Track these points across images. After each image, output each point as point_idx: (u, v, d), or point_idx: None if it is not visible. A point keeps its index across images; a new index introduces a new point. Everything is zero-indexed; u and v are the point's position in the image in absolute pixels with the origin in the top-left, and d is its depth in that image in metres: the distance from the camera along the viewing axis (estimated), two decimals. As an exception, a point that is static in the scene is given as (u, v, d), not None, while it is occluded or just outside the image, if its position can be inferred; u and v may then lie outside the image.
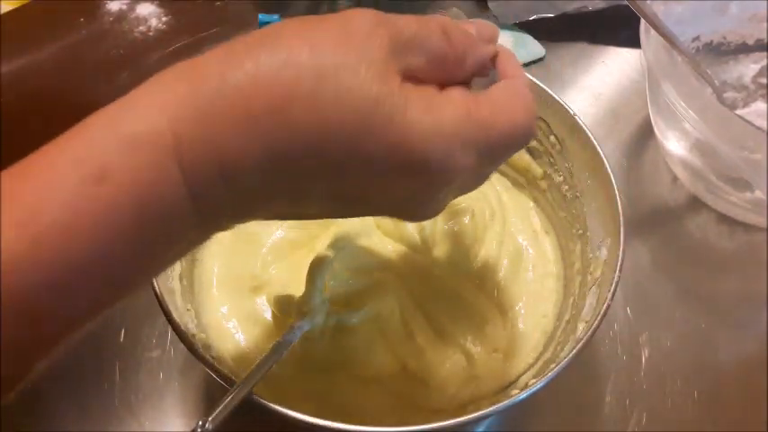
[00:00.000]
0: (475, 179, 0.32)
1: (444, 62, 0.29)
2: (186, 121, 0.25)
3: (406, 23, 0.28)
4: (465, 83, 0.30)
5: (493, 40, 0.32)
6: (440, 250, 0.46)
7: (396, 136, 0.26)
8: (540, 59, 0.66)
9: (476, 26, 0.31)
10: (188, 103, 0.25)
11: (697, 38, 0.60)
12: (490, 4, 0.67)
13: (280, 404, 0.34)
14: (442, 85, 0.29)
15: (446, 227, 0.47)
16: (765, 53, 0.62)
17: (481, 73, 0.31)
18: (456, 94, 0.28)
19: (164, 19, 0.70)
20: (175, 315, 0.37)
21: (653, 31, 0.51)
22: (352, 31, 0.27)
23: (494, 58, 0.32)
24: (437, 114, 0.27)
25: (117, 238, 0.24)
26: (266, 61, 0.26)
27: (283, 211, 0.30)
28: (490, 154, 0.29)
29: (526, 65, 0.65)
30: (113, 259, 0.25)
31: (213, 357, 0.38)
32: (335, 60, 0.26)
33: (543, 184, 0.50)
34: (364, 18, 0.27)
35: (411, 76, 0.27)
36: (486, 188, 0.51)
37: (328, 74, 0.25)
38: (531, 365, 0.43)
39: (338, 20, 0.27)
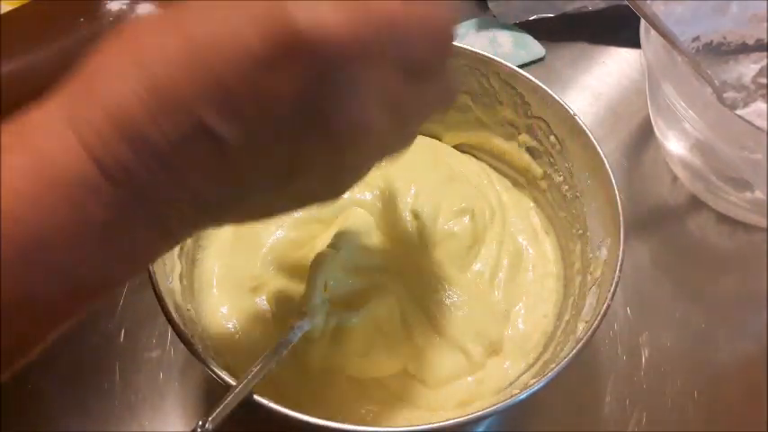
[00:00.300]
0: (396, 121, 0.26)
1: None
2: (73, 97, 0.24)
3: None
4: None
5: None
6: (440, 250, 0.46)
7: (274, 18, 0.22)
8: (540, 59, 0.66)
9: None
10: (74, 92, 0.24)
11: (697, 38, 0.60)
12: (490, 4, 0.67)
13: (280, 404, 0.34)
14: None
15: (446, 227, 0.47)
16: (765, 53, 0.62)
17: None
18: None
19: (164, 19, 0.69)
20: (175, 315, 0.37)
21: (653, 31, 0.51)
22: None
23: None
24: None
25: (48, 219, 0.23)
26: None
27: (207, 182, 0.25)
28: (405, 57, 0.25)
29: (526, 65, 0.65)
30: (53, 240, 0.23)
31: (213, 357, 0.38)
32: None
33: (543, 184, 0.50)
34: None
35: None
36: (486, 188, 0.51)
37: None
38: (531, 365, 0.43)
39: None
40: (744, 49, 0.62)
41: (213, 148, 0.24)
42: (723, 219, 0.57)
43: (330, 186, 0.29)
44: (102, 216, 0.24)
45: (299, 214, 0.46)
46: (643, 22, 0.52)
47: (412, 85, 0.26)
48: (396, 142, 0.29)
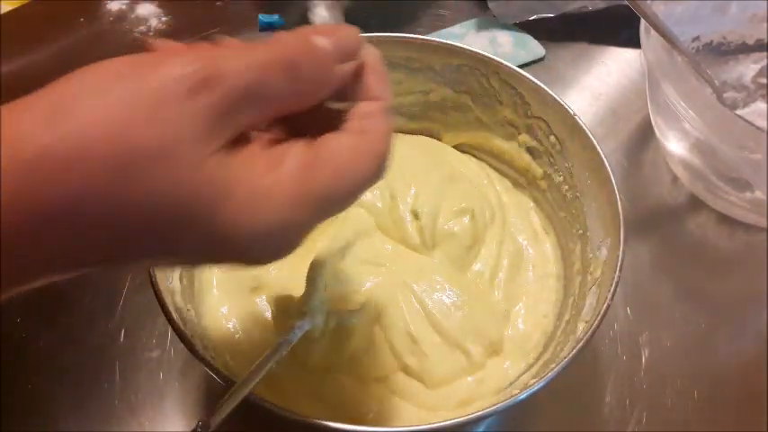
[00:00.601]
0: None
1: (293, 102, 0.25)
2: None
3: (238, 72, 0.23)
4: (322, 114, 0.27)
5: (355, 53, 0.27)
6: (440, 250, 0.46)
7: (219, 234, 0.23)
8: (540, 59, 0.66)
9: (336, 38, 0.26)
10: None
11: (697, 38, 0.60)
12: (490, 4, 0.67)
13: (280, 404, 0.34)
14: (291, 128, 0.27)
15: (446, 227, 0.47)
16: (765, 53, 0.62)
17: (340, 95, 0.27)
18: (289, 168, 0.24)
19: (164, 19, 0.70)
20: (175, 315, 0.37)
21: (653, 31, 0.51)
22: (162, 99, 0.22)
23: (359, 71, 0.27)
24: (266, 204, 0.24)
25: None
26: (53, 133, 0.21)
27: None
28: (331, 210, 0.26)
29: (526, 65, 0.65)
30: None
31: (213, 357, 0.38)
32: (138, 143, 0.21)
33: (543, 184, 0.50)
34: (181, 78, 0.22)
35: (245, 132, 0.24)
36: (486, 188, 0.51)
37: (127, 165, 0.21)
38: (531, 365, 0.43)
39: (149, 76, 0.22)
40: (744, 49, 0.62)
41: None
42: (723, 219, 0.57)
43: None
44: None
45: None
46: (643, 22, 0.52)
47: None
48: None
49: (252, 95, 0.24)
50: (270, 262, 0.26)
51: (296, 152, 0.25)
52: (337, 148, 0.25)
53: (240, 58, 0.24)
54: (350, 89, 0.27)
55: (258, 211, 0.23)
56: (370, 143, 0.26)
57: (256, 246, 0.24)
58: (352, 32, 0.27)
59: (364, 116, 0.27)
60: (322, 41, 0.26)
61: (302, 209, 0.24)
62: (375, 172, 0.26)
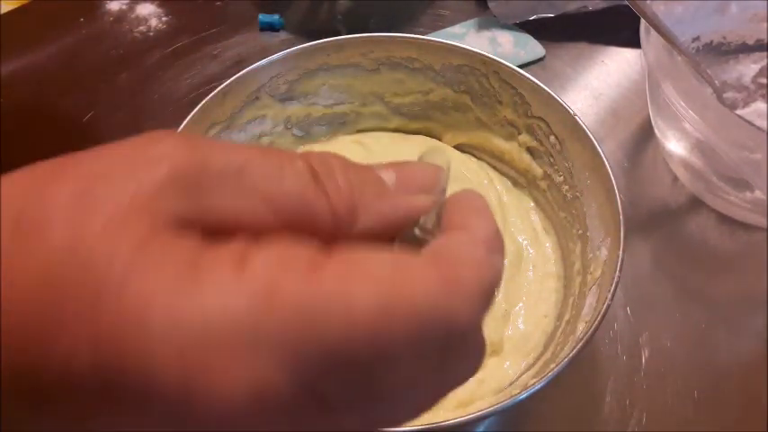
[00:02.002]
0: (346, 424, 0.17)
1: (306, 215, 0.18)
2: None
3: (229, 156, 0.17)
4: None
5: (426, 188, 0.21)
6: (440, 250, 0.46)
7: (101, 328, 0.15)
8: (540, 59, 0.66)
9: (399, 170, 0.20)
10: None
11: (697, 38, 0.60)
12: (490, 4, 0.67)
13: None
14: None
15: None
16: (765, 53, 0.62)
17: (399, 228, 0.20)
18: (268, 255, 0.16)
19: (164, 19, 0.70)
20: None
21: (653, 31, 0.51)
22: (115, 155, 0.17)
23: (438, 217, 0.21)
24: (191, 292, 0.15)
25: None
26: None
27: None
28: (346, 376, 0.16)
29: (526, 65, 0.65)
30: None
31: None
32: (53, 201, 0.16)
33: (543, 184, 0.50)
34: (154, 140, 0.17)
35: (228, 233, 0.17)
36: (486, 188, 0.51)
37: (30, 221, 0.16)
38: (531, 365, 0.43)
39: (135, 143, 0.17)
40: (744, 49, 0.62)
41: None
42: (723, 219, 0.57)
43: None
44: None
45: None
46: (643, 22, 0.52)
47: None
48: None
49: (235, 177, 0.17)
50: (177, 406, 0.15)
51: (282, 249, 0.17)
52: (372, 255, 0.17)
53: (244, 151, 0.18)
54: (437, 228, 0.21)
55: (186, 292, 0.15)
56: (453, 258, 0.18)
57: (152, 356, 0.15)
58: (429, 167, 0.21)
59: (442, 244, 0.19)
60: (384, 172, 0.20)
61: (259, 318, 0.15)
62: (466, 302, 0.17)
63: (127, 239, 0.15)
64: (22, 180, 0.17)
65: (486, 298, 0.18)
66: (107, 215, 0.16)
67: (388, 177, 0.20)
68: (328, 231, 0.18)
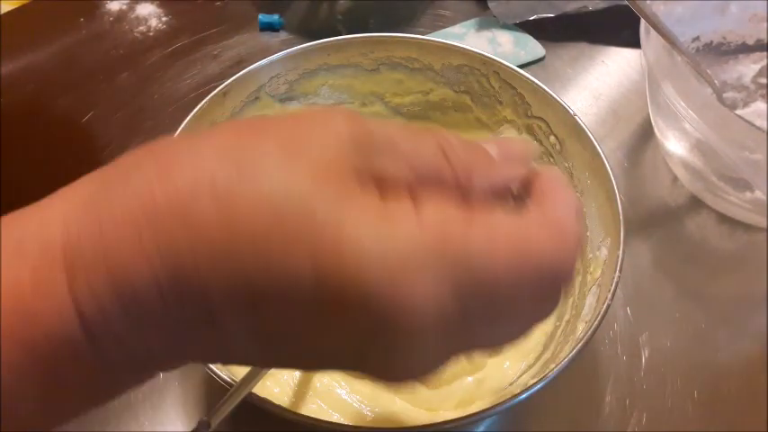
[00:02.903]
0: (470, 334, 0.23)
1: (437, 179, 0.23)
2: (79, 230, 0.20)
3: (384, 130, 0.22)
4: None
5: (521, 160, 0.25)
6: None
7: (322, 254, 0.19)
8: (540, 59, 0.66)
9: (499, 145, 0.25)
10: (84, 209, 0.21)
11: (697, 38, 0.60)
12: (490, 4, 0.67)
13: (280, 404, 0.34)
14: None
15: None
16: (765, 53, 0.62)
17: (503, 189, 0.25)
18: (435, 209, 0.21)
19: (164, 19, 0.70)
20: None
21: (653, 31, 0.51)
22: (303, 122, 0.22)
23: (528, 183, 0.25)
24: (391, 230, 0.20)
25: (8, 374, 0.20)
26: (181, 157, 0.21)
27: (206, 353, 0.23)
28: (484, 299, 0.21)
29: (526, 65, 0.65)
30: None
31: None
32: (263, 149, 0.21)
33: (543, 184, 0.50)
34: (330, 113, 0.22)
35: (387, 187, 0.22)
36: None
37: (248, 162, 0.20)
38: (531, 365, 0.43)
39: (314, 117, 0.22)
40: (744, 49, 0.62)
41: (217, 336, 0.21)
42: (723, 219, 0.57)
43: (379, 373, 0.24)
44: (76, 378, 0.22)
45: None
46: (643, 22, 0.52)
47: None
48: (486, 341, 0.25)
49: (393, 146, 0.22)
50: (383, 312, 0.20)
51: (443, 207, 0.22)
52: (512, 218, 0.22)
53: (391, 125, 0.23)
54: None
55: (384, 228, 0.20)
56: (550, 224, 0.22)
57: (367, 275, 0.20)
58: (521, 141, 0.26)
59: (540, 210, 0.23)
60: (486, 144, 0.25)
61: (436, 252, 0.20)
62: (559, 252, 0.22)
63: (334, 186, 0.20)
64: (227, 134, 0.21)
65: (578, 253, 0.23)
66: (312, 166, 0.20)
67: (493, 150, 0.25)
68: (452, 192, 0.23)
